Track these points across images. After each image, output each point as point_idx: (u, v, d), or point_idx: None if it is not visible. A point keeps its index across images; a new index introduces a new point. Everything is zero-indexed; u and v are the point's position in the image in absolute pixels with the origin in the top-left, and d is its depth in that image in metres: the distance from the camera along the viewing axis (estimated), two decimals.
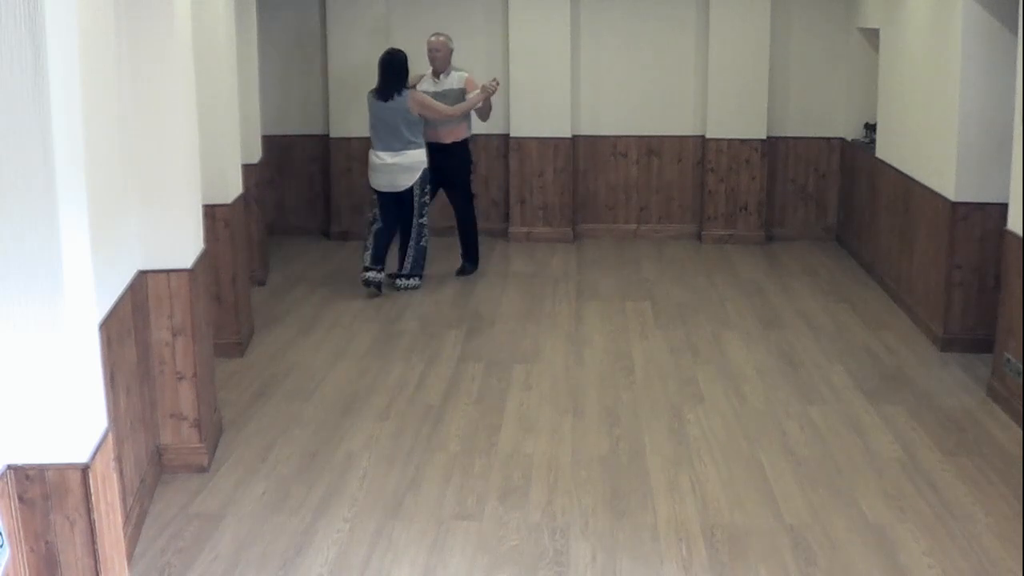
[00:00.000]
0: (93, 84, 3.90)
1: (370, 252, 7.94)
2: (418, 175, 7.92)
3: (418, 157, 7.93)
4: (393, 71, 7.91)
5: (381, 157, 7.90)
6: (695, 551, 4.34)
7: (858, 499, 4.78)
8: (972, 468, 5.09)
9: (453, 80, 8.32)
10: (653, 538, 4.45)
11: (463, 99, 8.27)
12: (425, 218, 8.08)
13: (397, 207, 8.00)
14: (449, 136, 8.26)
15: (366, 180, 8.24)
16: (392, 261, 8.28)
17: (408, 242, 8.08)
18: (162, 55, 4.74)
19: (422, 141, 7.99)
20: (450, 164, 8.30)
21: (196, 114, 5.17)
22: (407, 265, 8.09)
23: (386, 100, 7.86)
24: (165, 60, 4.76)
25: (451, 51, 8.34)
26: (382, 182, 7.95)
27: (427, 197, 8.07)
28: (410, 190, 7.93)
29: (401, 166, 7.88)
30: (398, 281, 8.06)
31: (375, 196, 8.03)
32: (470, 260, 8.67)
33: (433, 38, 8.33)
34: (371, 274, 7.91)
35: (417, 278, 8.11)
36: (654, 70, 9.82)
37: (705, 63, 9.70)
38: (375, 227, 8.01)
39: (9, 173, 2.62)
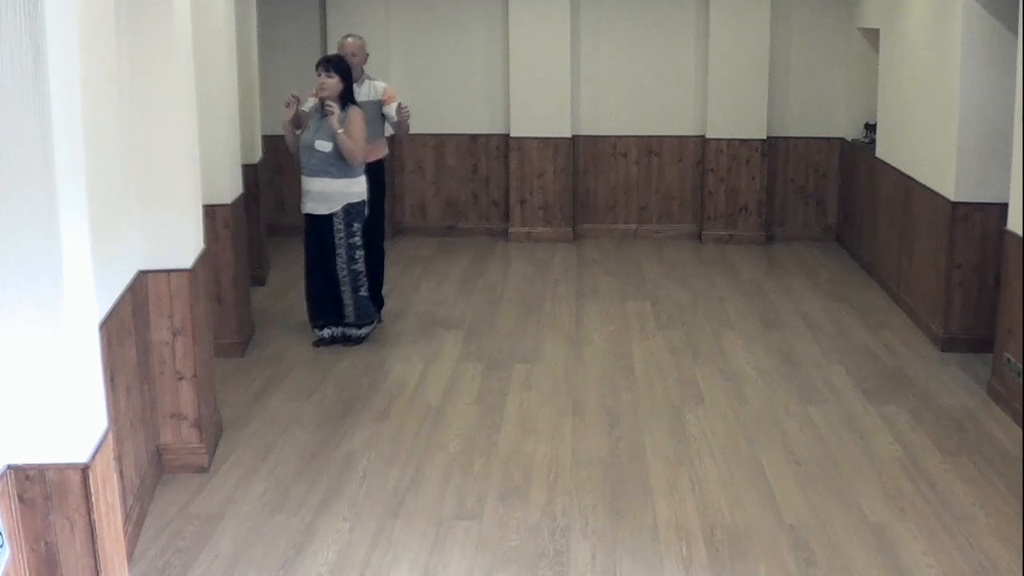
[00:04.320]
0: (93, 84, 3.90)
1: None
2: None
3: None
4: (347, 80, 6.53)
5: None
6: (695, 551, 4.34)
7: (858, 499, 4.78)
8: (972, 468, 5.10)
9: (370, 90, 6.87)
10: (653, 538, 4.45)
11: (380, 113, 6.92)
12: (360, 263, 6.65)
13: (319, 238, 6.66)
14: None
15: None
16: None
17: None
18: (162, 55, 4.75)
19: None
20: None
21: (196, 114, 5.17)
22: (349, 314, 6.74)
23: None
24: (165, 60, 4.76)
25: (367, 56, 7.00)
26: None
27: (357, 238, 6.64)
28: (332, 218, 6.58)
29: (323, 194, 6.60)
30: (347, 331, 6.79)
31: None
32: (376, 302, 7.08)
33: (350, 39, 6.90)
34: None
35: (367, 326, 6.83)
36: (654, 70, 9.83)
37: (705, 63, 9.70)
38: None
39: (9, 174, 2.62)
